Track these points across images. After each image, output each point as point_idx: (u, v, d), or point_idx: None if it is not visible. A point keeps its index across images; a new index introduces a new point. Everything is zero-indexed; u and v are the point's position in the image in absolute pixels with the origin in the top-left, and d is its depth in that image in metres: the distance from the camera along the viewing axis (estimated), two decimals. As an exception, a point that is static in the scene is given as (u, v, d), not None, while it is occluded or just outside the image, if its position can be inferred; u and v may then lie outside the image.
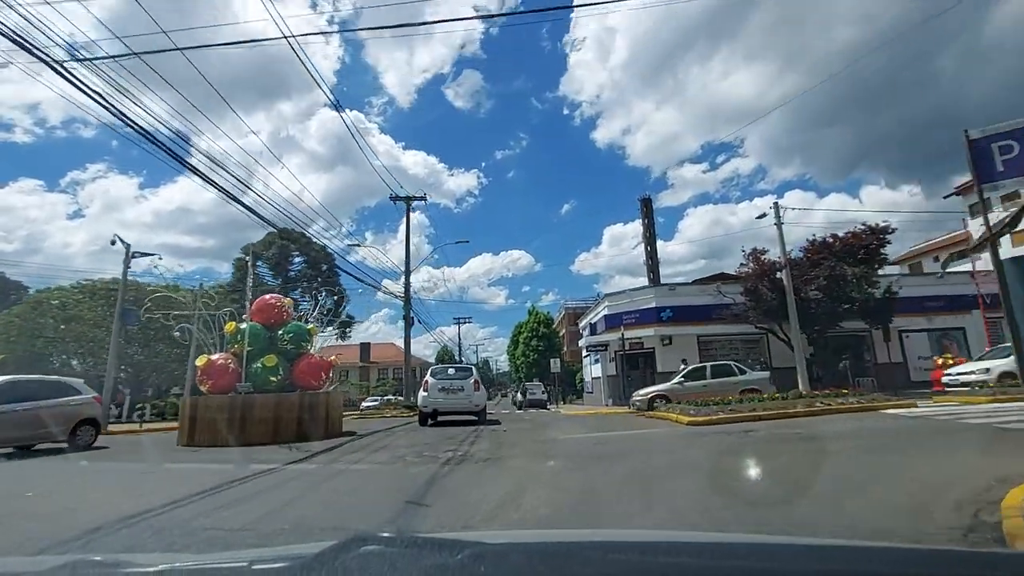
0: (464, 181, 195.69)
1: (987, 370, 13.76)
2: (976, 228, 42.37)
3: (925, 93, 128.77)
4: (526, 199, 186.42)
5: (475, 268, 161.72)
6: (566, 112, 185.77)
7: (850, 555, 0.98)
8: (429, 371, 14.74)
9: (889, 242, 19.66)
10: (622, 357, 25.61)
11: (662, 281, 30.21)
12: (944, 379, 15.91)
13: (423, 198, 29.85)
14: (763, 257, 21.24)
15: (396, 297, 28.24)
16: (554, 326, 55.75)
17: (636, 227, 34.59)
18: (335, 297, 44.08)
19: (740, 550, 1.06)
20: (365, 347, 64.47)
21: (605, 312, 26.65)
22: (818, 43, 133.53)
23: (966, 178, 22.09)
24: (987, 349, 18.35)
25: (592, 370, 30.78)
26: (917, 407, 12.06)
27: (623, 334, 23.70)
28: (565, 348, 50.57)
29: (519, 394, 36.16)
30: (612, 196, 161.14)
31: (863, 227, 19.88)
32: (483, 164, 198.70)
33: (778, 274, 20.83)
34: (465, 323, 56.16)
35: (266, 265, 43.37)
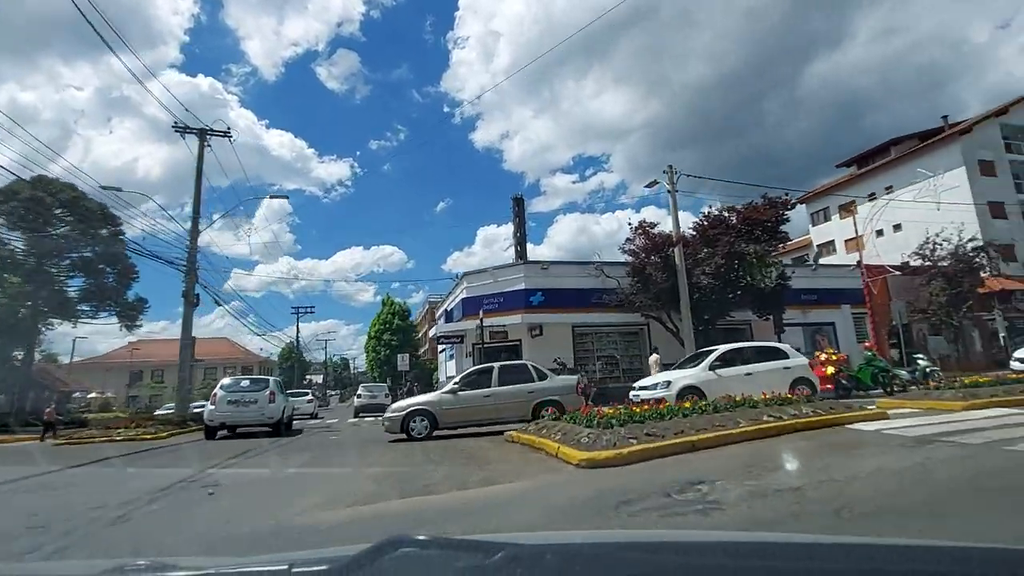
0: (336, 170, 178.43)
1: (668, 383, 11.06)
2: (815, 234, 45.56)
3: (754, 131, 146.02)
4: (401, 194, 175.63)
5: (342, 262, 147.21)
6: (446, 109, 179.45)
7: (879, 553, 0.98)
8: (220, 384, 14.31)
9: (788, 219, 17.17)
10: (481, 350, 20.48)
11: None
12: (631, 395, 12.31)
13: (227, 134, 21.95)
14: (654, 231, 17.57)
15: (173, 265, 19.91)
16: (416, 321, 49.39)
17: (509, 230, 30.70)
18: (115, 272, 33.17)
19: (781, 551, 1.06)
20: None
21: (463, 295, 21.34)
22: (676, 74, 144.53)
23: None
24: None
25: (447, 367, 25.35)
26: (888, 418, 8.47)
27: (481, 322, 18.50)
28: (427, 345, 44.58)
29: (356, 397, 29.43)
30: (487, 198, 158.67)
31: (763, 199, 17.13)
32: (357, 153, 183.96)
33: (670, 250, 17.28)
34: (307, 313, 47.18)
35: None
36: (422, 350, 48.74)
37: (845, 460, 5.89)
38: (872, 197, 39.19)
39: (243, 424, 13.51)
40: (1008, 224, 31.84)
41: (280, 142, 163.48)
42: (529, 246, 33.85)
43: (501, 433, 9.60)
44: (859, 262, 21.29)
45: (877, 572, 0.86)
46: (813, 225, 43.89)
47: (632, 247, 18.04)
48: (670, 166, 17.86)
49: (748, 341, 22.15)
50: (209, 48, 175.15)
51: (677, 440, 6.70)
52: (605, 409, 8.69)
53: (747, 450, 6.74)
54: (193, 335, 21.21)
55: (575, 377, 11.37)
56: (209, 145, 22.21)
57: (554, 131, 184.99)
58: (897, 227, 32.31)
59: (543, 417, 10.05)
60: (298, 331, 46.26)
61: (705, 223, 17.73)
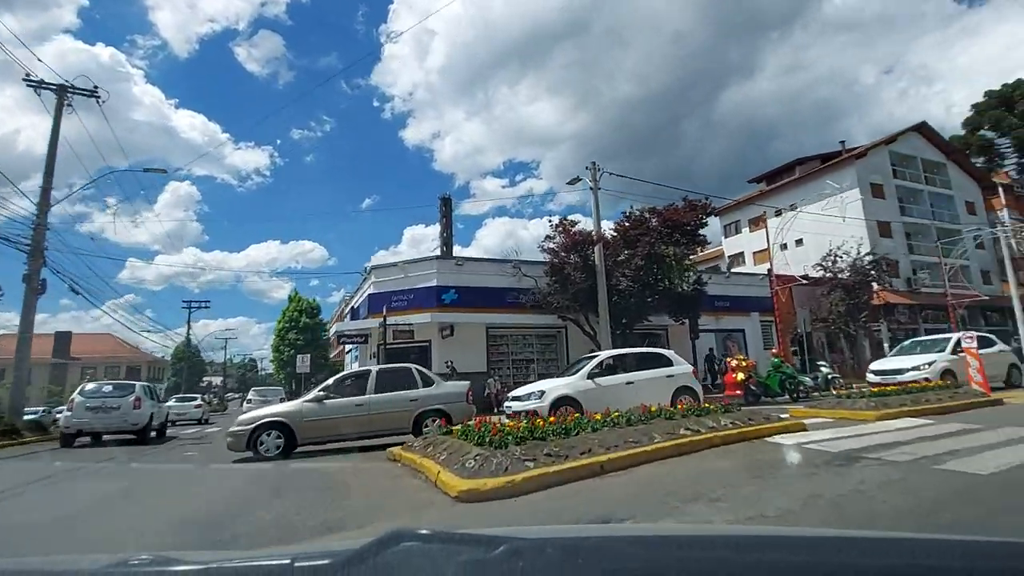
0: (253, 157, 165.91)
1: (541, 393, 9.91)
2: (728, 245, 47.66)
3: (675, 149, 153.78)
4: (324, 187, 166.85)
5: (256, 256, 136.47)
6: (376, 104, 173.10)
7: (882, 547, 0.98)
8: (79, 389, 13.80)
9: (706, 223, 16.96)
10: (387, 351, 18.70)
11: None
12: (505, 406, 11.46)
13: (93, 93, 18.75)
14: (574, 228, 16.71)
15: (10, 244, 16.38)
16: (331, 320, 45.96)
17: (437, 230, 29.27)
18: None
19: (784, 544, 1.07)
20: (63, 337, 45.49)
21: (370, 290, 19.43)
22: (605, 89, 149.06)
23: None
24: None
25: (352, 369, 23.16)
26: (806, 429, 7.87)
27: (384, 319, 16.71)
28: (340, 346, 41.43)
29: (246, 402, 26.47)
30: (416, 197, 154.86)
31: (683, 202, 16.80)
32: (278, 142, 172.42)
33: (590, 250, 16.51)
34: (201, 308, 42.48)
35: None
36: (335, 352, 45.54)
37: (775, 486, 4.99)
38: (779, 213, 41.73)
39: (103, 431, 13.21)
40: (893, 243, 34.57)
41: (190, 124, 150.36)
42: (457, 248, 32.36)
43: (384, 448, 8.06)
44: (770, 271, 21.77)
45: (879, 566, 0.86)
46: (726, 237, 45.87)
47: (551, 245, 17.11)
48: (593, 163, 17.15)
49: (665, 346, 22.10)
50: (112, 15, 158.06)
51: (583, 462, 5.55)
52: (506, 421, 7.44)
53: (663, 472, 5.73)
54: (71, 330, 17.67)
55: (465, 383, 10.03)
56: (70, 104, 18.82)
57: (486, 134, 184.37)
58: (799, 241, 34.12)
59: (427, 429, 8.68)
60: (189, 327, 41.55)
61: (626, 223, 17.17)
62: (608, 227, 18.18)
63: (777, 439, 7.29)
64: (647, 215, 16.78)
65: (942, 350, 13.04)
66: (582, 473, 5.45)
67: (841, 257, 21.30)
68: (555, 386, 9.95)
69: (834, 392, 14.45)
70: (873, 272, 20.70)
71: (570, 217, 17.24)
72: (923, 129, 38.87)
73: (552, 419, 6.61)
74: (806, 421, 8.61)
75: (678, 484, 5.28)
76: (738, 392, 16.35)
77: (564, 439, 6.13)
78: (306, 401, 9.02)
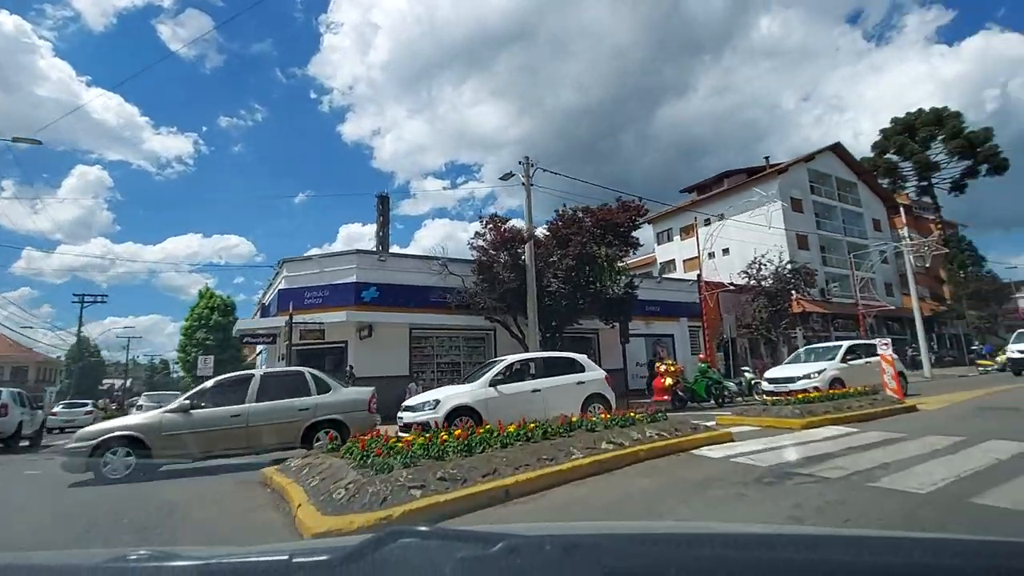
0: (174, 144, 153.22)
1: (436, 403, 8.60)
2: (660, 252, 48.81)
3: (613, 159, 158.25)
4: (254, 180, 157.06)
5: (174, 249, 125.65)
6: (313, 95, 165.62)
7: (882, 545, 1.00)
8: None
9: (639, 225, 16.64)
10: (298, 353, 17.04)
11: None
12: (397, 418, 9.68)
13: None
14: (505, 225, 15.88)
15: None
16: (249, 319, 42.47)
17: (373, 229, 27.89)
18: None
19: (779, 542, 1.08)
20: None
21: (282, 285, 17.67)
22: (549, 97, 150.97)
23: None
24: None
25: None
26: (733, 440, 7.36)
27: (290, 317, 15.08)
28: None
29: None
30: (353, 195, 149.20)
31: (617, 202, 16.40)
32: (204, 129, 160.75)
33: (520, 248, 15.73)
34: (97, 303, 38.03)
35: None
36: (253, 355, 42.23)
37: (703, 510, 4.29)
38: (708, 222, 43.22)
39: None
40: (810, 255, 36.46)
41: (104, 104, 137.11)
42: (394, 248, 30.94)
43: (275, 464, 6.76)
44: (699, 276, 21.95)
45: (878, 564, 0.87)
46: (658, 244, 47.01)
47: (481, 243, 16.18)
48: (526, 158, 16.41)
49: (596, 350, 21.72)
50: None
51: (484, 486, 4.61)
52: (403, 435, 6.37)
53: (580, 496, 4.91)
54: None
55: (367, 390, 8.82)
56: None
57: (429, 134, 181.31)
58: (726, 251, 35.36)
59: (318, 444, 7.48)
60: (81, 323, 37.05)
61: (559, 223, 16.56)
62: (542, 230, 17.52)
63: (704, 452, 6.70)
64: (580, 214, 16.24)
65: (832, 358, 12.92)
66: (482, 501, 4.52)
67: (765, 265, 21.86)
68: (452, 395, 8.90)
69: (756, 397, 14.49)
70: (793, 280, 21.38)
71: (511, 223, 16.38)
72: (837, 149, 41.47)
73: (458, 432, 5.61)
74: (733, 430, 8.15)
75: (594, 511, 4.48)
76: (666, 397, 16.11)
77: (466, 458, 5.16)
78: (168, 411, 7.52)
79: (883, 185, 44.47)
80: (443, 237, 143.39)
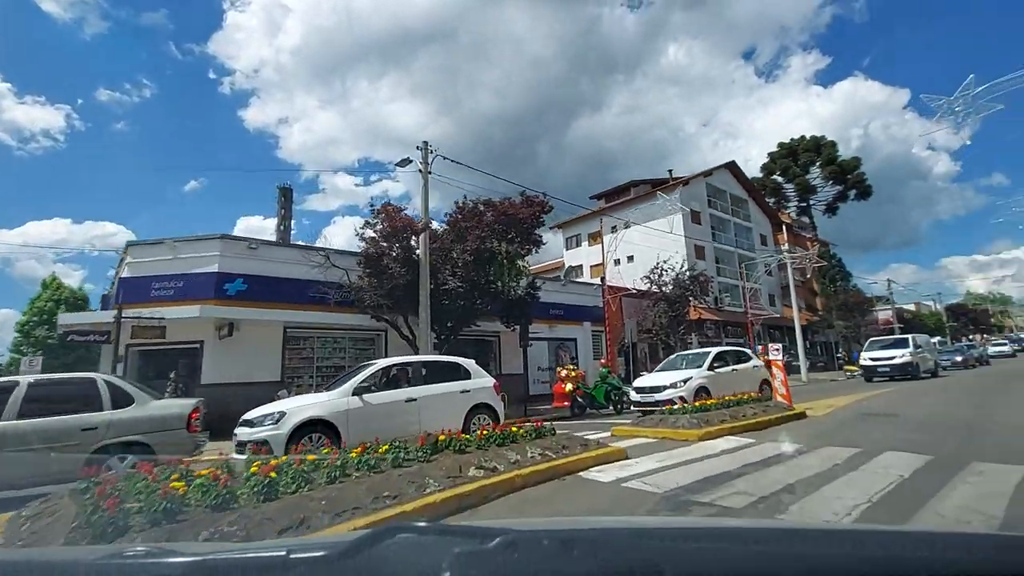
0: (42, 116, 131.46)
1: (280, 416, 7.00)
2: (568, 257, 49.23)
3: (528, 166, 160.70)
4: (138, 162, 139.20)
5: (36, 234, 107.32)
6: (213, 75, 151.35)
7: (882, 540, 1.00)
8: None
9: (543, 222, 15.78)
10: (140, 355, 14.24)
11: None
12: (233, 435, 7.84)
13: None
14: (398, 216, 14.29)
15: None
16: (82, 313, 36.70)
17: (275, 223, 25.14)
18: None
19: (770, 535, 1.10)
20: None
21: (125, 273, 14.71)
22: (467, 100, 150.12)
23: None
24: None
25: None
26: (627, 457, 6.42)
27: (119, 312, 12.30)
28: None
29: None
30: (254, 185, 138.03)
31: (521, 197, 15.41)
32: (79, 102, 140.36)
33: (413, 240, 14.23)
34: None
35: None
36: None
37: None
38: (615, 229, 44.25)
39: None
40: (705, 265, 38.24)
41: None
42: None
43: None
44: (603, 278, 21.68)
45: (877, 558, 0.88)
46: (567, 249, 47.43)
47: (371, 233, 14.44)
48: (424, 143, 14.95)
49: (494, 353, 20.65)
50: None
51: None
52: (237, 458, 4.72)
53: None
54: None
55: (188, 403, 6.94)
56: None
57: (341, 127, 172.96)
58: (631, 258, 36.08)
59: (110, 472, 5.54)
60: None
61: (459, 215, 15.26)
62: (441, 223, 16.09)
63: (594, 474, 5.68)
64: (481, 207, 15.07)
65: (700, 366, 12.06)
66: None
67: (666, 271, 22.10)
68: (301, 405, 7.27)
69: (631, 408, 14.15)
70: (692, 287, 21.78)
71: (404, 210, 14.75)
72: (732, 167, 44.14)
73: (256, 467, 4.04)
74: (628, 444, 7.29)
75: None
76: (566, 403, 15.40)
77: (264, 504, 3.65)
78: None
79: (770, 204, 48.07)
80: (352, 236, 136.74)
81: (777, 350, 11.60)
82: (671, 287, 21.63)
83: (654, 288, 22.14)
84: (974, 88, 11.07)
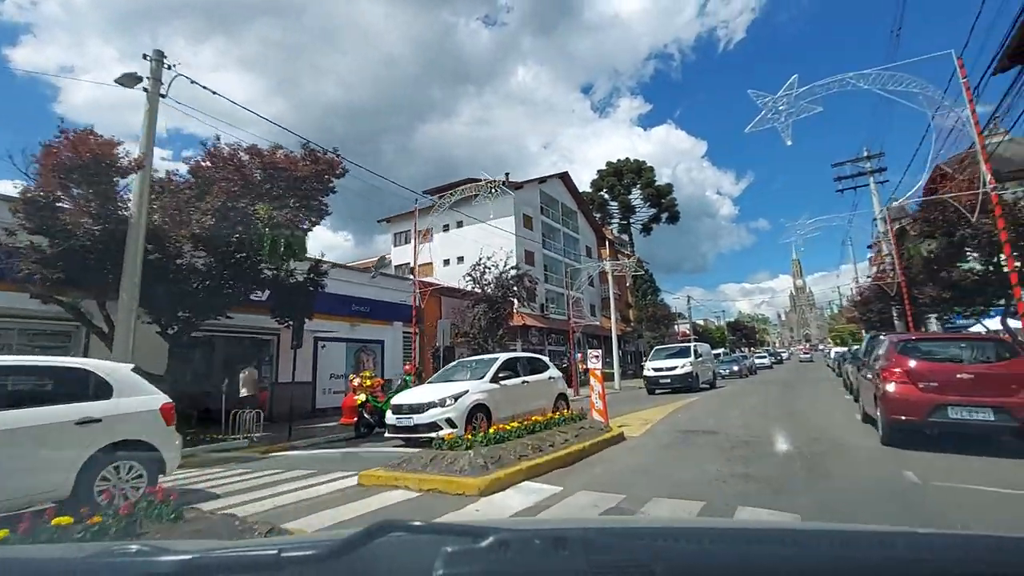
0: None
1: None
2: (396, 255, 45.56)
3: (371, 164, 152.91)
4: None
5: None
6: None
7: (876, 540, 0.99)
8: None
9: (335, 189, 12.11)
10: None
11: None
12: None
13: None
14: (91, 141, 9.44)
15: None
16: None
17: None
18: None
19: (761, 535, 1.10)
20: None
21: None
22: (309, 84, 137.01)
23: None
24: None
25: None
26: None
27: None
28: None
29: None
30: (22, 140, 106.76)
31: (303, 150, 11.58)
32: None
33: (117, 179, 9.60)
34: None
35: None
36: None
37: None
38: (447, 228, 41.88)
39: None
40: (535, 271, 37.86)
41: None
42: None
43: None
44: (413, 270, 18.75)
45: (867, 559, 0.87)
46: (395, 246, 43.78)
47: (51, 162, 9.33)
48: (158, 52, 10.40)
49: (271, 355, 16.31)
50: None
51: None
52: None
53: None
54: None
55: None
56: None
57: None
58: (461, 259, 34.02)
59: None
60: None
61: (207, 161, 10.91)
62: (182, 169, 11.37)
63: None
64: (242, 154, 10.97)
65: (481, 376, 9.17)
66: None
67: (489, 269, 19.99)
68: None
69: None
70: (515, 288, 19.97)
71: (98, 137, 9.75)
72: (565, 178, 44.96)
73: None
74: (374, 506, 4.30)
75: None
76: (353, 420, 12.09)
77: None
78: None
79: (597, 218, 50.31)
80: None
81: (596, 357, 9.75)
82: (493, 287, 19.53)
83: (476, 287, 19.86)
84: (796, 88, 10.58)
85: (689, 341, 26.67)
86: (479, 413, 8.09)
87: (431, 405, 8.01)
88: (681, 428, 9.26)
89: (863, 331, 42.99)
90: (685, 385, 18.06)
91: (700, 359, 19.51)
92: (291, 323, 12.56)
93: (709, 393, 17.88)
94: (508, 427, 6.44)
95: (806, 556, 0.87)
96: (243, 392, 14.05)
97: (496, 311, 18.98)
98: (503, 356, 9.70)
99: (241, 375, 14.00)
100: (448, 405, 7.91)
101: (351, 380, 13.10)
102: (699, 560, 0.86)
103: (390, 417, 8.53)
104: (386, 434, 8.51)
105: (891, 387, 6.76)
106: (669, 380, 18.37)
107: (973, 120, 9.10)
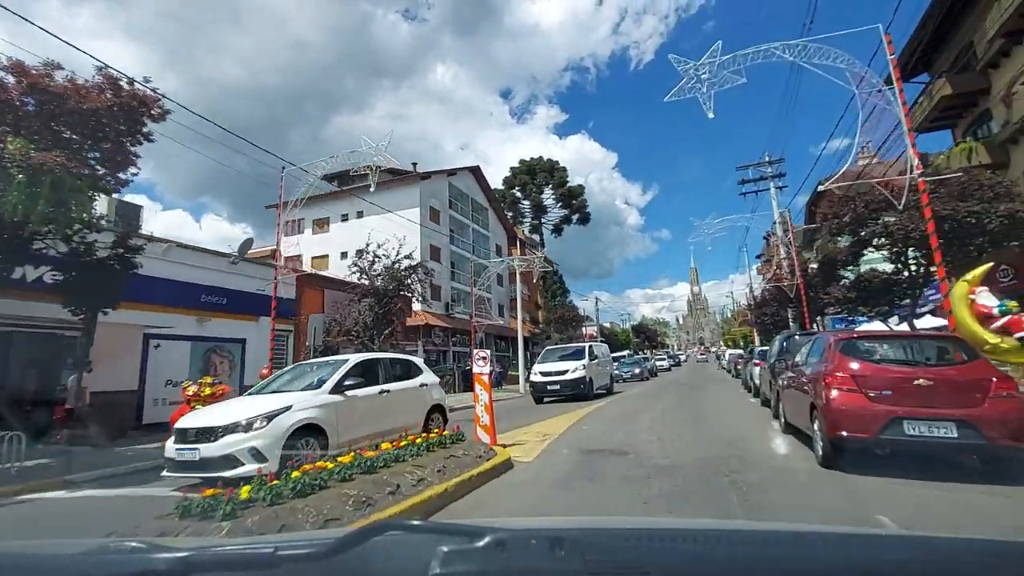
0: None
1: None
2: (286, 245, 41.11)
3: (279, 153, 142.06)
4: None
5: None
6: None
7: (870, 543, 0.99)
8: None
9: (151, 136, 9.02)
10: None
11: None
12: None
13: None
14: None
15: None
16: None
17: None
18: None
19: (756, 537, 1.08)
20: None
21: None
22: (207, 61, 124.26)
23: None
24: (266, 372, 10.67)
25: None
26: None
27: None
28: None
29: None
30: None
31: (100, 75, 8.46)
32: None
33: None
34: None
35: None
36: None
37: None
38: (345, 218, 38.31)
39: None
40: (440, 267, 35.52)
41: None
42: None
43: None
44: (276, 252, 15.88)
45: (863, 561, 0.86)
46: (287, 236, 39.34)
47: None
48: None
49: (72, 358, 12.71)
50: None
51: None
52: None
53: None
54: None
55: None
56: None
57: (5, 49, 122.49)
58: (360, 253, 30.91)
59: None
60: None
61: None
62: None
63: None
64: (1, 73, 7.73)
65: (317, 386, 6.59)
66: None
67: (380, 258, 17.41)
68: None
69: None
70: (409, 281, 17.49)
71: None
72: (477, 172, 43.06)
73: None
74: None
75: None
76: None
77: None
78: None
79: (508, 217, 48.95)
80: None
81: (484, 360, 7.73)
82: (384, 278, 16.99)
83: (363, 279, 17.22)
84: (720, 55, 9.36)
85: (586, 341, 25.71)
86: (308, 437, 5.74)
87: (228, 430, 5.48)
88: (585, 447, 7.53)
89: (754, 333, 45.32)
90: (578, 392, 15.59)
91: (596, 361, 17.16)
92: (87, 312, 9.34)
93: (615, 398, 16.62)
94: (327, 465, 4.21)
95: (799, 558, 0.89)
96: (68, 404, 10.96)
97: (385, 306, 16.48)
98: (355, 358, 7.31)
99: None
100: (257, 428, 5.45)
101: (184, 388, 10.15)
102: (694, 561, 0.87)
103: (169, 448, 5.86)
104: (163, 473, 5.85)
105: (835, 395, 5.41)
106: (558, 387, 15.68)
107: (900, 100, 8.30)
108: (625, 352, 45.11)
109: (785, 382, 7.96)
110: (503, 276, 41.70)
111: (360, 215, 35.12)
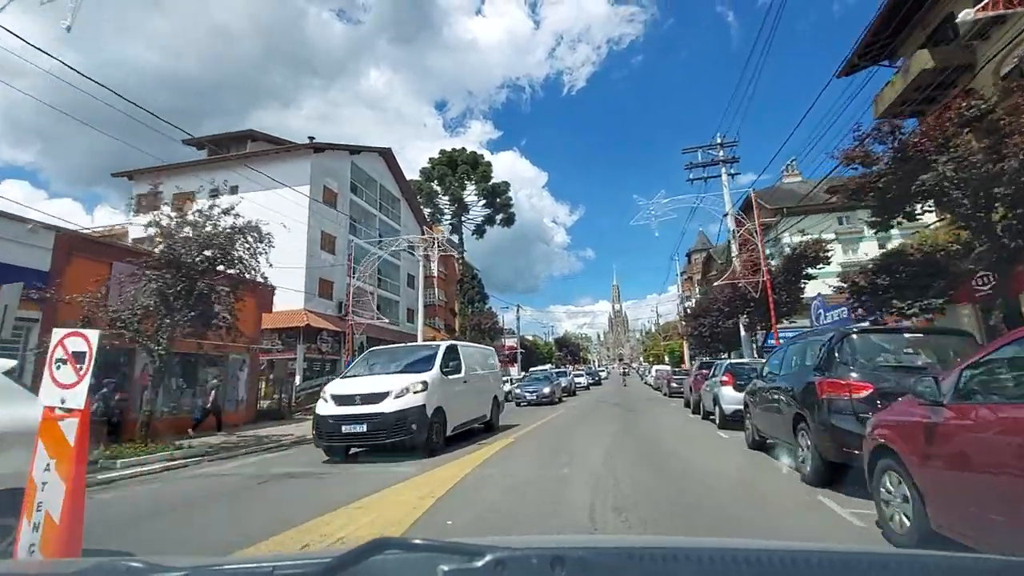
0: None
1: None
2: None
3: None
4: None
5: None
6: None
7: (868, 562, 0.95)
8: None
9: None
10: None
11: None
12: None
13: None
14: None
15: None
16: None
17: None
18: None
19: (760, 556, 1.05)
20: None
21: None
22: (116, 44, 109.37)
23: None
24: None
25: None
26: None
27: None
28: None
29: None
30: None
31: None
32: None
33: None
34: None
35: None
36: None
37: None
38: (216, 193, 31.45)
39: None
40: (334, 260, 29.63)
41: None
42: None
43: None
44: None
45: None
46: (137, 212, 31.75)
47: None
48: None
49: None
50: None
51: None
52: None
53: None
54: None
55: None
56: None
57: None
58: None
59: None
60: None
61: None
62: None
63: None
64: None
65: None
66: None
67: (196, 215, 11.70)
68: None
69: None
70: (235, 251, 11.64)
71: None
72: (388, 156, 37.59)
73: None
74: None
75: None
76: None
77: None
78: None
79: (425, 212, 43.73)
80: None
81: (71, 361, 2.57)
82: (196, 245, 11.28)
83: (163, 243, 11.42)
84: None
85: (514, 355, 20.85)
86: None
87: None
88: None
89: (684, 346, 42.98)
90: (402, 438, 7.87)
91: (459, 376, 9.68)
92: None
93: (505, 440, 9.69)
94: None
95: None
96: None
97: (190, 282, 10.81)
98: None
99: None
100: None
101: None
102: None
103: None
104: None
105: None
106: (355, 432, 7.94)
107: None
108: (546, 366, 39.25)
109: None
110: (415, 277, 36.32)
111: (235, 190, 28.46)
